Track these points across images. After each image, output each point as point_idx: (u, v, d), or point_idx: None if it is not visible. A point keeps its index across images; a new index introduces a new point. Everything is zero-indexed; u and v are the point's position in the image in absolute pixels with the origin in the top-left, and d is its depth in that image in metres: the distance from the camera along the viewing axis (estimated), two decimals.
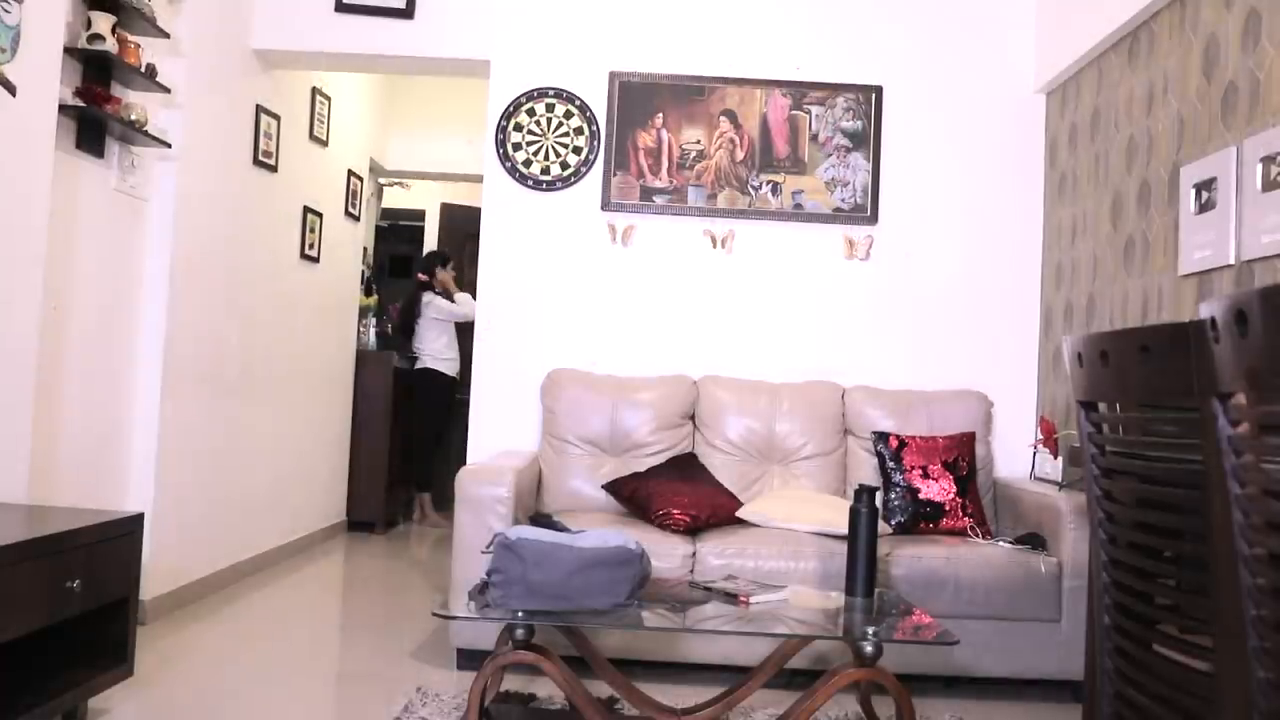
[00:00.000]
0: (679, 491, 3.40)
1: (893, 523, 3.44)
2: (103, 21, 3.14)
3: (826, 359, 4.04)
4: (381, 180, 6.72)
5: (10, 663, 2.47)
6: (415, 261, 7.18)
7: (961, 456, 3.58)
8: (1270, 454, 1.00)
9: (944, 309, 4.09)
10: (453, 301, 6.18)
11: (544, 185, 4.13)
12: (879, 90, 4.11)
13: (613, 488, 3.59)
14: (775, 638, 2.66)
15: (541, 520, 3.19)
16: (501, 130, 4.14)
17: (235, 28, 4.10)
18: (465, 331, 5.59)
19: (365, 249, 6.47)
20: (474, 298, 5.77)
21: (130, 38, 3.32)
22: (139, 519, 2.69)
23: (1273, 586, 1.00)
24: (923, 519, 3.46)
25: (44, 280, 2.87)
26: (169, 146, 3.58)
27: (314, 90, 5.07)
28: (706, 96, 4.11)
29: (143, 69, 3.36)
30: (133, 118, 3.30)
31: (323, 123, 5.20)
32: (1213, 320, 1.03)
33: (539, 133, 4.13)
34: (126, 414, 3.61)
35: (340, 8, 4.15)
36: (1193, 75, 3.00)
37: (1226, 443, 1.06)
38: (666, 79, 4.11)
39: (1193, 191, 2.92)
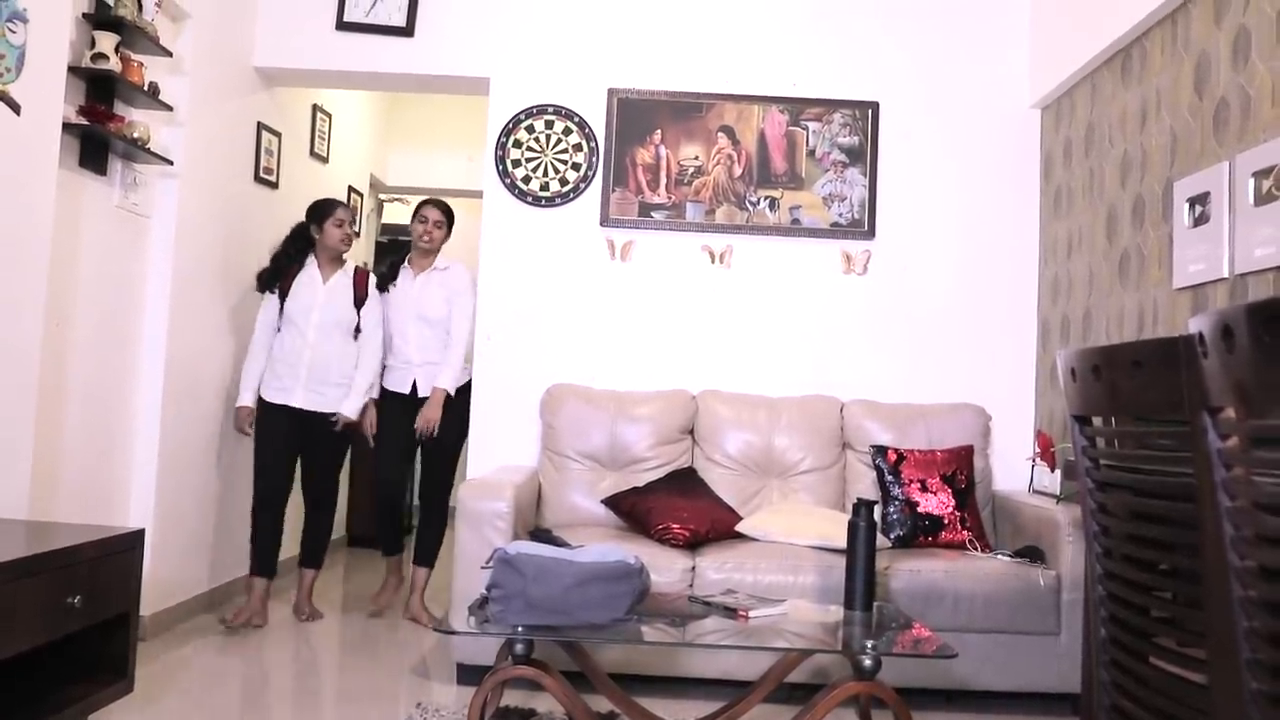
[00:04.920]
0: (678, 506, 3.41)
1: (891, 536, 3.45)
2: (106, 41, 3.17)
3: (825, 373, 4.05)
4: (382, 196, 6.75)
5: (11, 679, 2.47)
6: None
7: (960, 470, 3.59)
8: (1260, 467, 1.01)
9: (941, 323, 4.10)
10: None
11: (543, 201, 4.15)
12: (875, 106, 4.14)
13: (612, 502, 3.60)
14: (775, 652, 2.66)
15: (541, 535, 3.21)
16: (501, 147, 4.17)
17: (237, 46, 4.13)
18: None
19: (366, 264, 6.49)
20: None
21: (133, 57, 3.35)
22: (139, 535, 2.69)
23: (1264, 599, 1.01)
24: (921, 532, 3.46)
25: (47, 296, 2.88)
26: (171, 164, 3.60)
27: (315, 107, 5.10)
28: (704, 113, 4.14)
29: (145, 87, 3.39)
30: (135, 136, 3.32)
31: (323, 139, 5.23)
32: (1201, 335, 1.04)
33: (538, 149, 4.15)
34: (128, 429, 3.62)
35: (341, 26, 4.18)
36: (1185, 91, 3.03)
37: (1217, 456, 1.07)
38: (665, 96, 4.14)
39: (1186, 206, 2.95)
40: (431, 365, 4.05)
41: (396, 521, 4.23)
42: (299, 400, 3.92)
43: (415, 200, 7.11)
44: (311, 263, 4.04)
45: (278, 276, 3.99)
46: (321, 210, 4.05)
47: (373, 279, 4.13)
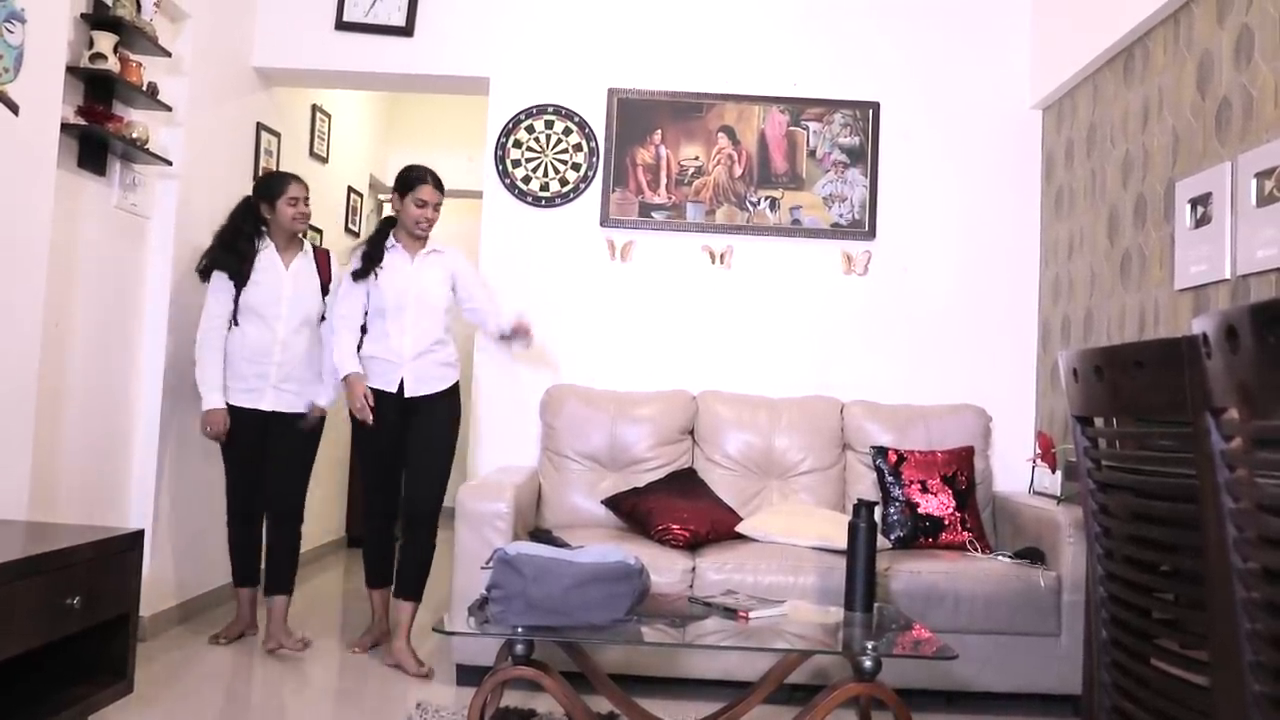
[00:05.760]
0: (678, 507, 3.41)
1: (892, 537, 3.44)
2: (105, 41, 3.17)
3: (825, 374, 4.04)
4: (381, 197, 6.73)
5: (10, 680, 2.47)
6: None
7: (960, 471, 3.58)
8: (1263, 469, 1.01)
9: (942, 324, 4.10)
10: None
11: (543, 202, 4.15)
12: (876, 106, 4.13)
13: (613, 503, 3.59)
14: (775, 653, 2.66)
15: (541, 536, 3.20)
16: (501, 147, 4.17)
17: (236, 46, 4.12)
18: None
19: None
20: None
21: (132, 57, 3.34)
22: (139, 535, 2.69)
23: (1267, 600, 1.00)
24: (922, 534, 3.46)
25: (46, 297, 2.88)
26: (170, 164, 3.60)
27: (314, 108, 5.10)
28: (705, 113, 4.14)
29: (144, 88, 3.38)
30: (134, 136, 3.32)
31: (323, 140, 5.22)
32: (1205, 336, 1.04)
33: (538, 149, 4.15)
34: (127, 430, 3.62)
35: (340, 26, 4.18)
36: (1187, 91, 3.03)
37: (1219, 457, 1.07)
38: (665, 96, 4.14)
39: (1188, 207, 2.94)
40: (428, 356, 3.47)
41: (388, 546, 3.60)
42: (269, 402, 3.53)
43: None
44: (268, 245, 3.59)
45: (240, 260, 3.52)
46: (272, 187, 3.59)
47: (335, 261, 3.75)
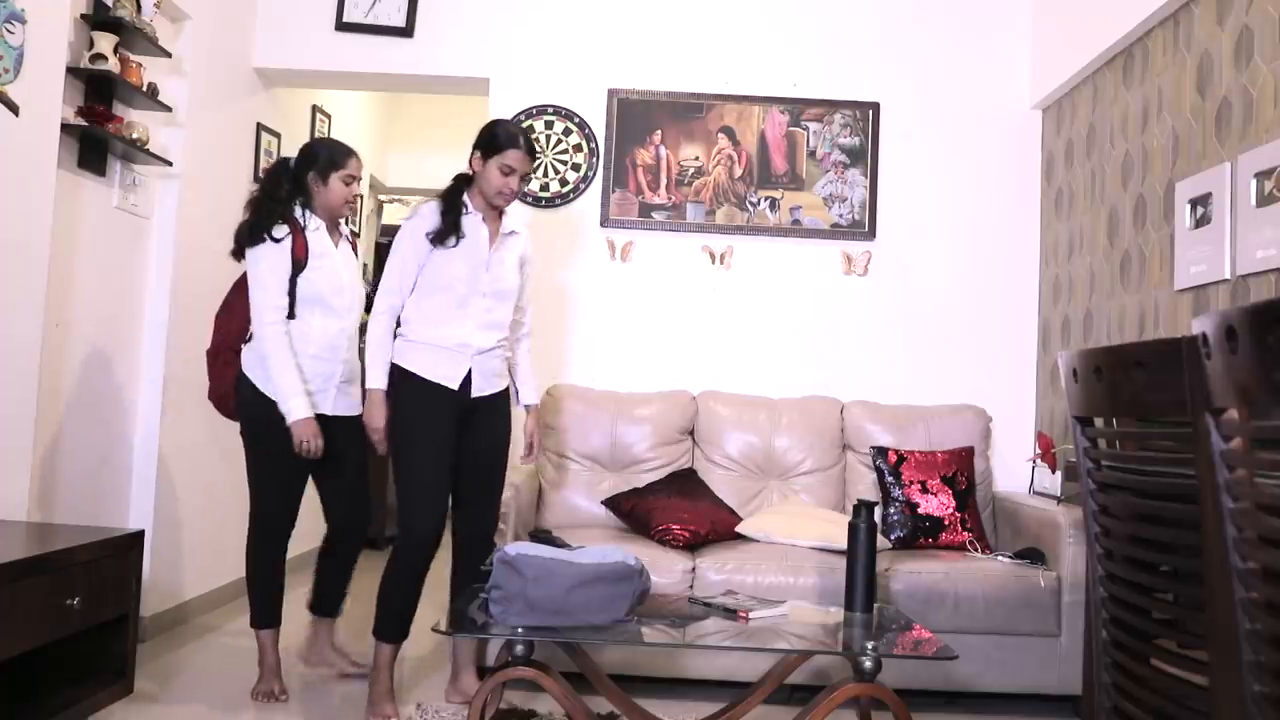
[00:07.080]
0: (679, 507, 3.41)
1: (892, 538, 3.44)
2: (105, 41, 3.17)
3: (825, 374, 4.05)
4: (381, 197, 6.74)
5: (10, 680, 2.47)
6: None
7: (960, 471, 3.58)
8: (1263, 469, 1.01)
9: (942, 324, 4.10)
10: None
11: (543, 202, 4.15)
12: (876, 107, 4.13)
13: (613, 503, 3.59)
14: (775, 653, 2.66)
15: (541, 536, 3.20)
16: None
17: (236, 47, 4.13)
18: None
19: (365, 266, 6.48)
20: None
21: (132, 57, 3.35)
22: (139, 536, 2.69)
23: (1266, 600, 1.00)
24: (922, 534, 3.46)
25: (46, 298, 2.88)
26: (170, 165, 3.60)
27: (314, 108, 5.10)
28: (705, 114, 4.14)
29: (144, 88, 3.38)
30: (134, 136, 3.32)
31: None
32: (1204, 336, 1.04)
33: (538, 150, 4.15)
34: (127, 431, 3.62)
35: (341, 26, 4.18)
36: (1187, 92, 3.03)
37: (1219, 457, 1.07)
38: (665, 96, 4.14)
39: (1188, 207, 2.94)
40: (496, 351, 2.96)
41: (418, 592, 2.95)
42: (331, 405, 3.01)
43: (415, 200, 6.78)
44: (319, 226, 3.02)
45: (273, 220, 2.93)
46: (331, 157, 3.01)
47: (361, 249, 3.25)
